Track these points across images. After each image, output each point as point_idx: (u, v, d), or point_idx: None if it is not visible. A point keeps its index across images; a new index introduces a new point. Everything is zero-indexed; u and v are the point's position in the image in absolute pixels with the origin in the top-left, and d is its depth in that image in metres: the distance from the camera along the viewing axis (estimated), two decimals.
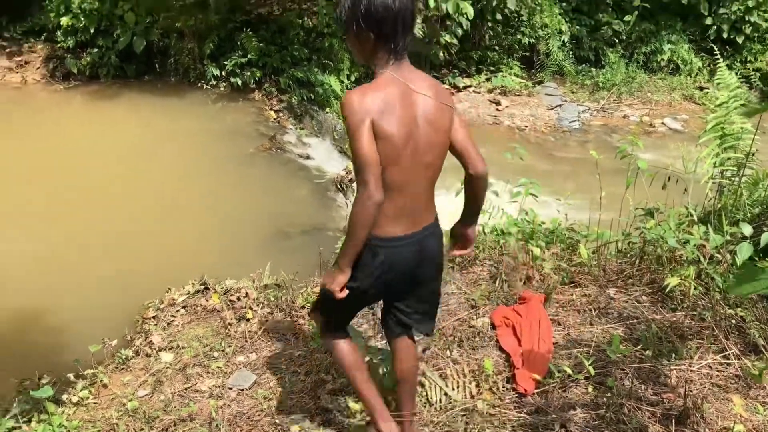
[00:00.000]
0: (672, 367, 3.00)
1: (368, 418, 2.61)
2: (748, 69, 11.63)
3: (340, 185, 6.71)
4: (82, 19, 9.36)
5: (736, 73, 9.54)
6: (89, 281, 4.81)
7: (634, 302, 3.55)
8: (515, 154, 4.07)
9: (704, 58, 11.84)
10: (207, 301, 3.90)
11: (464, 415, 2.79)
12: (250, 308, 3.75)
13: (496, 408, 2.83)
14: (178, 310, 3.89)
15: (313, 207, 6.36)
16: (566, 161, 8.78)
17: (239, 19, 9.35)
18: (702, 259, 3.45)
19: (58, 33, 9.65)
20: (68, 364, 3.42)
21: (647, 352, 3.10)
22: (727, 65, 5.43)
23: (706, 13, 11.74)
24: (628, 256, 3.92)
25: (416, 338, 2.50)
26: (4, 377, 3.46)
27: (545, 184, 4.39)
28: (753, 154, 4.24)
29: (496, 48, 11.31)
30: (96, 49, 9.54)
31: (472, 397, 2.90)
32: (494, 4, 10.15)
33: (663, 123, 10.20)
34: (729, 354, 3.05)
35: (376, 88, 2.03)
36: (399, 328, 2.45)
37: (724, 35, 11.65)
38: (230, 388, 3.13)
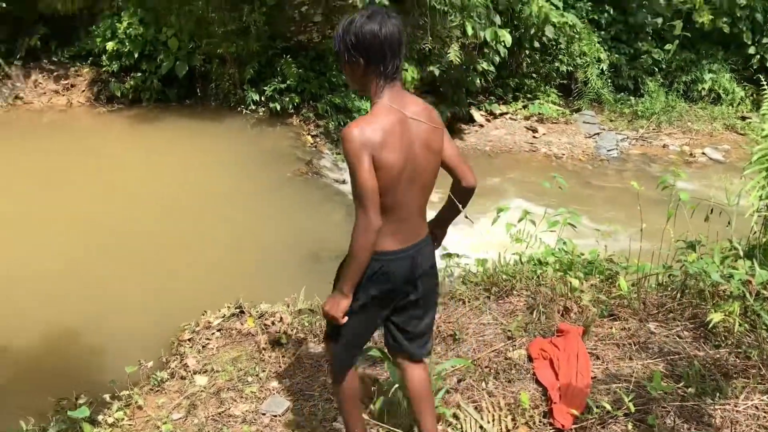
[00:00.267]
0: (716, 407, 2.89)
1: None
2: None
3: None
4: (127, 44, 9.66)
5: None
6: (127, 301, 4.89)
7: (676, 337, 3.45)
8: (554, 184, 4.02)
9: (747, 88, 11.61)
10: (242, 324, 3.92)
11: None
12: (285, 333, 3.76)
13: None
14: (213, 333, 3.91)
15: (347, 232, 6.34)
16: (604, 190, 8.66)
17: (279, 46, 9.54)
18: (747, 294, 3.34)
19: (104, 57, 9.99)
20: (104, 384, 3.46)
21: (690, 389, 2.99)
22: None
23: (750, 42, 11.56)
24: (669, 289, 3.82)
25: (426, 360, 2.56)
26: (42, 395, 3.51)
27: (583, 213, 4.32)
28: None
29: (534, 75, 11.26)
30: (139, 74, 9.82)
31: (508, 431, 2.85)
32: (532, 32, 10.12)
33: (703, 153, 10.00)
34: None
35: (375, 120, 2.13)
36: (399, 347, 2.51)
37: None
38: (263, 414, 3.13)
